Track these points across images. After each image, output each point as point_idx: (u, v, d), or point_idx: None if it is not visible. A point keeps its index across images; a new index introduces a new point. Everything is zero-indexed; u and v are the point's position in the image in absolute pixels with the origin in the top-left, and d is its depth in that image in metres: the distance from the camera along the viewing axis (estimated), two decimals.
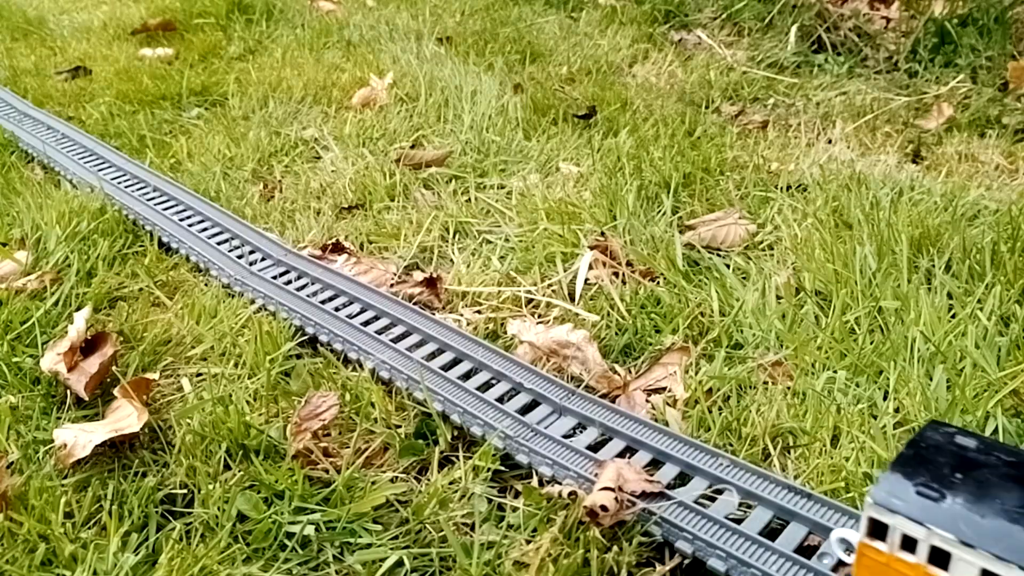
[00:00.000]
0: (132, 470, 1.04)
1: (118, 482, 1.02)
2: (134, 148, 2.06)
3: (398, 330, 1.27)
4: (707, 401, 1.11)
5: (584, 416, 1.07)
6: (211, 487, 0.98)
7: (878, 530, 0.66)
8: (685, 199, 1.66)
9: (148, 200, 1.72)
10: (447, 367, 1.18)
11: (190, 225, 1.61)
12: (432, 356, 1.21)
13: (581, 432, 1.07)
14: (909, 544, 0.65)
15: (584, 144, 1.94)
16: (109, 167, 1.89)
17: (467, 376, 1.17)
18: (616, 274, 1.40)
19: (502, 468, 1.01)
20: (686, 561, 0.88)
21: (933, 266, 1.33)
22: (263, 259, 1.50)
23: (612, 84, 2.37)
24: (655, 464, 1.00)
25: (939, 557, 0.63)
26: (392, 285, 1.42)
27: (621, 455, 1.02)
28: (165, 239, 1.58)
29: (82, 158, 1.94)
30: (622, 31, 2.80)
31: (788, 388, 1.12)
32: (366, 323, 1.29)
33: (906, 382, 1.09)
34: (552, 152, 1.90)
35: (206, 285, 1.45)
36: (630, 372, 1.20)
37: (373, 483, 1.00)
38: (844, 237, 1.43)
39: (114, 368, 1.21)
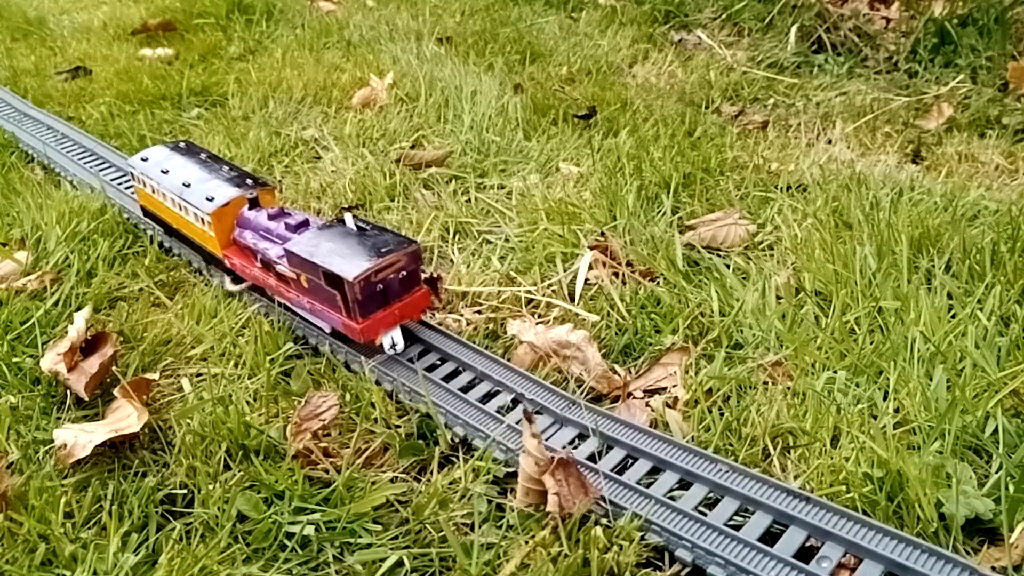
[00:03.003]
0: (132, 470, 1.04)
1: (118, 482, 1.02)
2: (134, 148, 2.06)
3: None
4: (707, 401, 1.11)
5: (584, 426, 1.07)
6: (211, 487, 0.98)
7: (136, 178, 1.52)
8: (685, 199, 1.66)
9: None
10: (448, 377, 1.18)
11: None
12: (433, 367, 1.20)
13: (581, 443, 1.06)
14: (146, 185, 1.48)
15: (584, 144, 1.94)
16: (109, 167, 1.89)
17: (468, 387, 1.17)
18: (616, 274, 1.40)
19: (504, 467, 1.01)
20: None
21: (933, 266, 1.33)
22: None
23: (612, 84, 2.37)
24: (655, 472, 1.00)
25: (151, 189, 1.49)
26: None
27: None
28: (166, 243, 1.58)
29: (82, 158, 1.94)
30: (622, 31, 2.80)
31: (788, 388, 1.12)
32: None
33: (906, 382, 1.09)
34: (552, 152, 1.90)
35: (206, 285, 1.45)
36: (630, 372, 1.20)
37: (373, 483, 1.00)
38: (844, 237, 1.43)
39: (114, 368, 1.21)
